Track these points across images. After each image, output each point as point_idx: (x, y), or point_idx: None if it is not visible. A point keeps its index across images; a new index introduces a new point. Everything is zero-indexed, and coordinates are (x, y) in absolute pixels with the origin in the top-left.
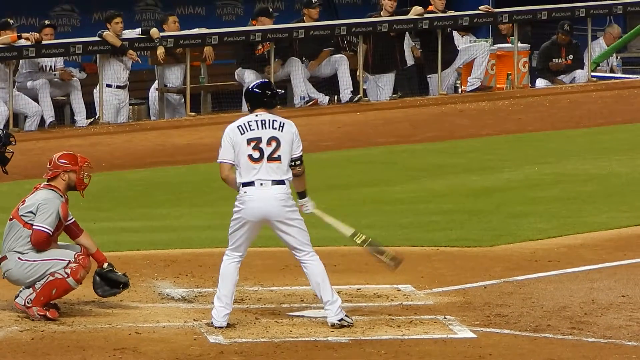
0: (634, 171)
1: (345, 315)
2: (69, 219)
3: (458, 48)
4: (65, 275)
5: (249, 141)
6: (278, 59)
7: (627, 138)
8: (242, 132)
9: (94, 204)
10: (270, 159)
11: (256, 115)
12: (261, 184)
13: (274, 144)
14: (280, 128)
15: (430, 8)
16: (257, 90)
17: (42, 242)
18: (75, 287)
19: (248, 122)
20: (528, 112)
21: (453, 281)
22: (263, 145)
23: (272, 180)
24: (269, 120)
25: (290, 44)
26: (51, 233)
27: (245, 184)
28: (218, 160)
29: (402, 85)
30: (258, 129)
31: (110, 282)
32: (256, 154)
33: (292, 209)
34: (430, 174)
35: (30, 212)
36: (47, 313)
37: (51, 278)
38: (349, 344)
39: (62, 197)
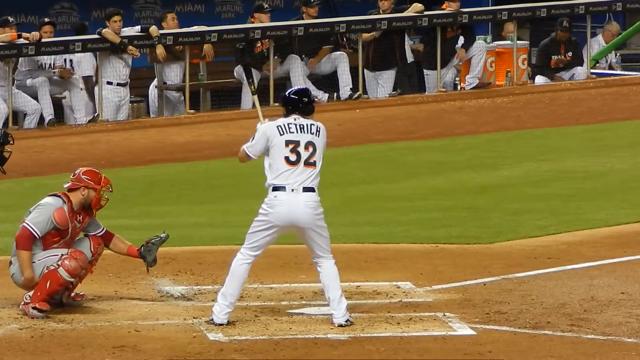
0: (633, 168)
1: (350, 315)
2: (98, 231)
3: (456, 48)
4: (57, 266)
5: (287, 143)
6: (277, 57)
7: (627, 135)
8: (282, 133)
9: None
10: (307, 163)
11: (294, 119)
12: (292, 190)
13: (310, 149)
14: (317, 133)
15: (444, 7)
16: (294, 96)
17: (23, 239)
18: (67, 280)
19: (287, 124)
20: (527, 109)
21: (452, 278)
22: (301, 149)
23: (304, 187)
24: (307, 125)
25: (289, 41)
26: (36, 235)
27: (275, 188)
28: (245, 147)
29: (402, 83)
30: (297, 132)
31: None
32: (293, 157)
33: (320, 216)
34: (430, 171)
35: (29, 212)
36: (37, 304)
37: (45, 271)
38: (349, 341)
39: (64, 203)
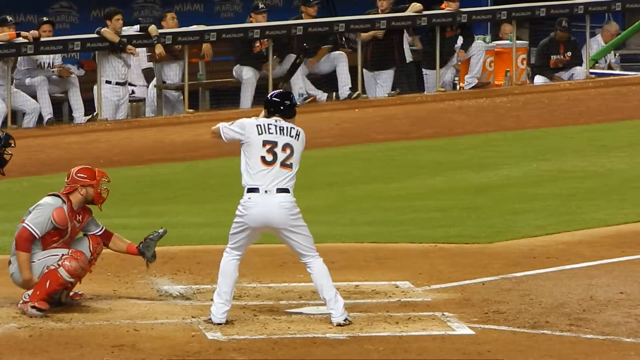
0: (632, 168)
1: (348, 315)
2: (97, 230)
3: (455, 48)
4: (57, 266)
5: (264, 143)
6: (276, 56)
7: (626, 135)
8: (260, 132)
9: None
10: (283, 164)
11: (275, 121)
12: (265, 191)
13: (288, 150)
14: (297, 137)
15: (443, 6)
16: (275, 99)
17: (22, 240)
18: (67, 280)
19: (267, 125)
20: (526, 108)
21: (451, 278)
22: (278, 150)
23: (277, 189)
24: (287, 128)
25: (288, 40)
26: (36, 235)
27: (250, 190)
28: (221, 127)
29: (401, 82)
30: (276, 133)
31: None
32: (269, 157)
33: (296, 216)
34: (429, 171)
35: (29, 212)
36: (36, 303)
37: (45, 270)
38: (347, 341)
39: (64, 203)
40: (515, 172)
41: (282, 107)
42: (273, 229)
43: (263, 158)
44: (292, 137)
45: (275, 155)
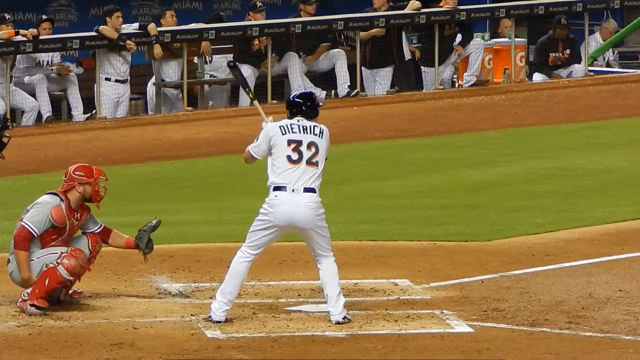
0: (631, 165)
1: (347, 313)
2: (96, 228)
3: (454, 46)
4: (56, 264)
5: (289, 142)
6: (275, 54)
7: (624, 132)
8: (284, 133)
9: None
10: (309, 162)
11: (298, 120)
12: (293, 190)
13: (313, 149)
14: (320, 134)
15: (442, 4)
16: (298, 100)
17: (21, 239)
18: (66, 278)
19: (290, 125)
20: (525, 106)
21: (450, 276)
22: (303, 148)
23: (304, 188)
24: (310, 126)
25: (287, 39)
26: (34, 233)
27: (276, 188)
28: (250, 148)
29: (400, 80)
30: (300, 132)
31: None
32: (295, 156)
33: (321, 217)
34: (428, 169)
35: (27, 210)
36: (36, 302)
37: (44, 269)
38: (346, 339)
39: (62, 201)
40: (513, 169)
41: (304, 108)
42: (298, 228)
43: (289, 157)
44: (316, 135)
45: (300, 153)
